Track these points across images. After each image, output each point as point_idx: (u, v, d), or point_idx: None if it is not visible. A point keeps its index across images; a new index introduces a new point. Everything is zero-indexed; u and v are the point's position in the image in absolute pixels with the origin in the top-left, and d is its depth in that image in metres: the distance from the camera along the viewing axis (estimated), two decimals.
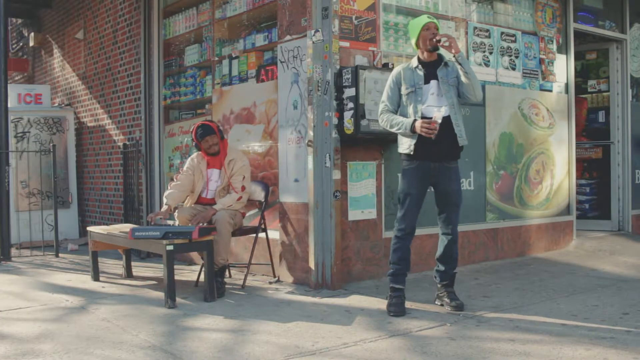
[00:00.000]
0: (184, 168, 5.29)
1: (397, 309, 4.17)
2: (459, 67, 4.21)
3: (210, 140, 5.07)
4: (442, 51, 4.37)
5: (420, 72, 4.27)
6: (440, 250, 4.41)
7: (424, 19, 4.29)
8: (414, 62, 4.34)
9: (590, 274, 5.53)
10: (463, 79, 4.23)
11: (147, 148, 7.24)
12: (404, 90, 4.29)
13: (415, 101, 4.23)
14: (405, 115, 4.28)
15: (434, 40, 4.19)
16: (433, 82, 4.23)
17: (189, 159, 5.31)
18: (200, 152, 5.22)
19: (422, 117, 4.16)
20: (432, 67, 4.28)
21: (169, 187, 5.24)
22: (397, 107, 4.34)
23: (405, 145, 4.26)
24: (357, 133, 4.81)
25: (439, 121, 4.04)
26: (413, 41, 4.34)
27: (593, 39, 7.69)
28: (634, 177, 7.58)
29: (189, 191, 5.19)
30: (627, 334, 3.65)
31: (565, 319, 4.00)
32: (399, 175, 5.38)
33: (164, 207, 5.10)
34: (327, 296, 4.70)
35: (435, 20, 4.31)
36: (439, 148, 4.17)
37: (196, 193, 5.19)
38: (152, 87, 7.25)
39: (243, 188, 5.05)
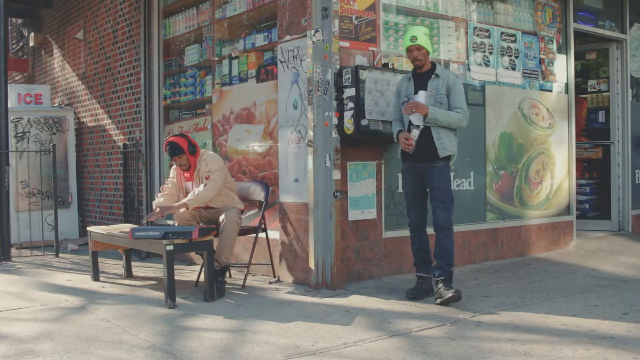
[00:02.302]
0: (169, 177, 5.41)
1: (411, 293, 4.59)
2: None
3: (179, 160, 5.11)
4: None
5: (412, 84, 4.60)
6: (434, 245, 4.55)
7: (406, 41, 4.56)
8: (410, 73, 4.73)
9: (590, 274, 5.53)
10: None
11: (147, 148, 7.24)
12: (401, 99, 4.66)
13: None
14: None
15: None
16: (421, 93, 4.52)
17: (172, 168, 5.37)
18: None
19: (410, 124, 4.52)
20: (424, 78, 4.60)
21: (157, 196, 5.31)
22: (401, 115, 4.68)
23: (400, 148, 4.66)
24: (357, 133, 4.82)
25: (415, 138, 4.47)
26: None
27: (593, 39, 7.69)
28: (634, 177, 7.58)
29: (177, 198, 5.23)
30: (627, 334, 3.65)
31: (565, 319, 4.00)
32: (399, 175, 5.43)
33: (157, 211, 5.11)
34: (327, 296, 4.70)
35: (418, 41, 4.47)
36: (421, 152, 4.51)
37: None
38: (152, 87, 7.25)
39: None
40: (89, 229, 5.74)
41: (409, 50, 4.56)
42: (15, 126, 8.16)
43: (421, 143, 4.47)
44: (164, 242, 4.48)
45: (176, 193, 5.28)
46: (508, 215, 6.33)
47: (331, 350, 3.44)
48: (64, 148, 8.55)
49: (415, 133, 4.46)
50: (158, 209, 5.05)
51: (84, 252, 6.85)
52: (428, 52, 4.56)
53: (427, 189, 4.61)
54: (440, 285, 4.42)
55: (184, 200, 4.98)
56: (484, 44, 6.11)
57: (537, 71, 6.60)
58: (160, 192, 5.42)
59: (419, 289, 4.62)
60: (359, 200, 5.12)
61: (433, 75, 4.56)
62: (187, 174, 5.20)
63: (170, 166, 5.43)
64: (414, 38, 4.49)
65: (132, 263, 5.87)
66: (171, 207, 5.02)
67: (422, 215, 4.66)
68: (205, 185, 4.95)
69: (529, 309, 4.31)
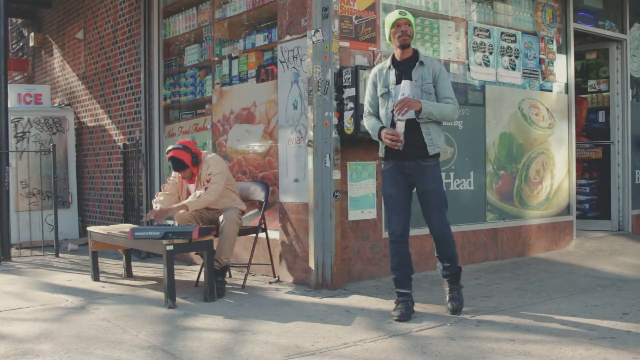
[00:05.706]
0: (171, 177, 5.40)
1: (400, 314, 4.01)
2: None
3: (183, 174, 5.12)
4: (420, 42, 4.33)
5: (393, 72, 4.13)
6: (434, 249, 4.33)
7: (394, 15, 4.09)
8: (388, 61, 4.20)
9: (590, 274, 5.53)
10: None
11: (147, 148, 7.24)
12: (379, 92, 4.20)
13: (388, 102, 4.13)
14: (380, 116, 4.21)
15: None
16: (405, 82, 4.03)
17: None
18: None
19: (393, 119, 4.08)
20: (406, 66, 4.11)
21: (157, 195, 5.30)
22: (378, 109, 4.25)
23: (381, 147, 4.22)
24: (357, 133, 4.81)
25: (402, 131, 3.98)
26: (387, 38, 4.21)
27: (593, 39, 7.68)
28: (634, 177, 7.58)
29: (177, 198, 5.24)
30: (627, 334, 3.65)
31: (565, 319, 4.00)
32: None
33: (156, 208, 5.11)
34: (327, 296, 4.70)
35: (408, 16, 4.07)
36: (410, 149, 4.03)
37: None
38: (152, 87, 7.25)
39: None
40: (89, 229, 5.74)
41: (397, 24, 4.04)
42: (15, 126, 8.16)
43: (409, 139, 3.99)
44: (164, 242, 4.48)
45: (177, 193, 5.28)
46: (508, 215, 6.33)
47: (331, 350, 3.45)
48: (64, 148, 8.55)
49: (400, 125, 3.98)
50: (157, 208, 5.05)
51: (84, 252, 6.85)
52: (412, 35, 4.10)
53: (415, 191, 4.15)
54: (447, 289, 4.28)
55: (185, 202, 4.99)
56: (484, 44, 6.11)
57: (537, 71, 6.60)
58: (161, 191, 5.42)
59: (406, 308, 4.05)
60: (359, 200, 5.12)
61: (417, 63, 4.07)
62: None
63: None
64: (403, 12, 4.06)
65: (132, 263, 5.87)
66: (171, 209, 5.02)
67: (407, 222, 4.14)
68: (206, 188, 4.95)
69: (529, 309, 4.31)
